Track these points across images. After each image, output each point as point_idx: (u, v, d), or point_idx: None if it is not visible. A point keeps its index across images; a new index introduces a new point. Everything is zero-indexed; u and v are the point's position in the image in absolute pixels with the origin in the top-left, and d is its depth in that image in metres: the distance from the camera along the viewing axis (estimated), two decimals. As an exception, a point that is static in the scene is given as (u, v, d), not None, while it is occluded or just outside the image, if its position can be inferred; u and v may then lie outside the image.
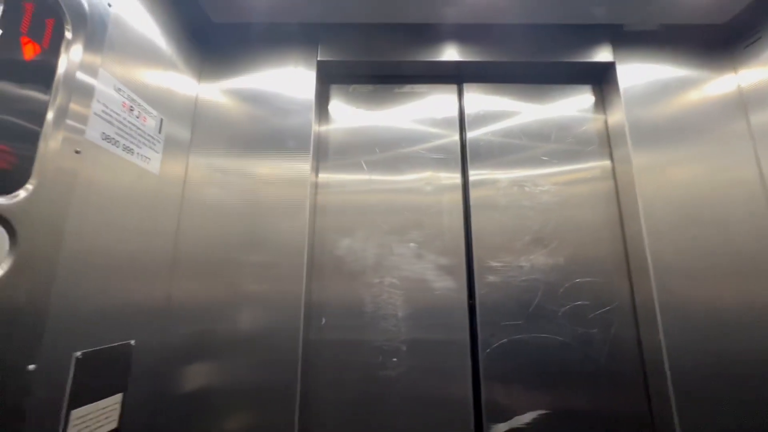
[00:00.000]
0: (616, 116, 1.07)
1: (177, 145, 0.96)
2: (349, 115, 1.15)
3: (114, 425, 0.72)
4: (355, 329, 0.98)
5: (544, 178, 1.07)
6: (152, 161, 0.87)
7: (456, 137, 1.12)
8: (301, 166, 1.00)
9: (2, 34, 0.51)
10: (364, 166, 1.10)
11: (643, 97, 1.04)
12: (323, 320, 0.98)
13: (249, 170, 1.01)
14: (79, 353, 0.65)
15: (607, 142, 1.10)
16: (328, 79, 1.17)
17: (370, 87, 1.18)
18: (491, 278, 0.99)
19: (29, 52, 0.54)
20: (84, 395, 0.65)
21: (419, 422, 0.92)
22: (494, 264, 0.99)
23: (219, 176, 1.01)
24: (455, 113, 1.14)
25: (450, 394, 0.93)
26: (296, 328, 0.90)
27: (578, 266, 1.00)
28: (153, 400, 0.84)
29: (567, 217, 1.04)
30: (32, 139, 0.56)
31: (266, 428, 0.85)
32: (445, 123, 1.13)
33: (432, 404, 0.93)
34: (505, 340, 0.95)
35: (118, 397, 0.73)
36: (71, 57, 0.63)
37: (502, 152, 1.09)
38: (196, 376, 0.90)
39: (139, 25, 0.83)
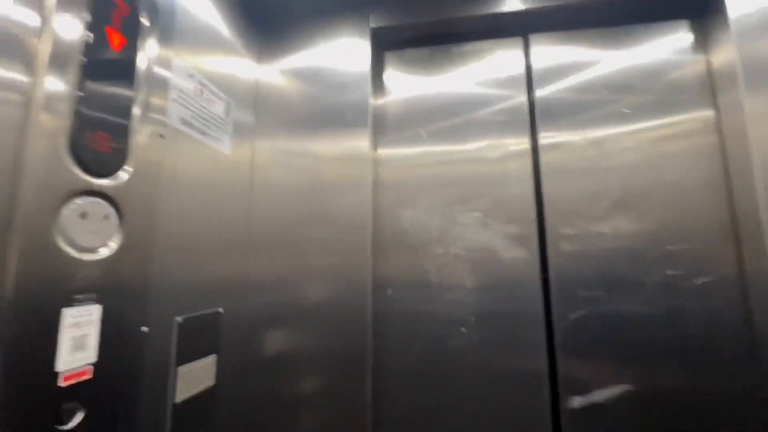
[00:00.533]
0: (723, 54, 0.90)
1: (243, 129, 1.00)
2: (405, 83, 1.11)
3: (211, 382, 0.80)
4: (421, 301, 0.98)
5: (627, 136, 0.95)
6: (223, 142, 0.91)
7: (523, 97, 1.02)
8: (359, 143, 0.99)
9: (93, 31, 0.54)
10: (424, 137, 1.06)
11: (759, 29, 0.86)
12: (389, 291, 0.99)
13: (310, 150, 1.02)
14: (180, 318, 0.73)
15: (710, 89, 0.93)
16: (382, 47, 1.13)
17: (426, 50, 1.12)
18: (567, 247, 0.91)
19: (116, 43, 0.58)
20: (186, 354, 0.73)
21: (490, 391, 0.91)
22: (570, 232, 0.92)
23: (282, 158, 1.03)
24: (521, 70, 1.04)
25: (522, 366, 0.90)
26: (364, 298, 0.92)
27: (670, 232, 0.89)
28: (240, 362, 0.92)
29: (656, 177, 0.91)
30: (124, 124, 0.60)
31: (341, 391, 0.90)
32: (509, 82, 1.04)
33: (503, 375, 0.91)
34: (583, 312, 0.89)
35: (212, 358, 0.81)
36: (149, 46, 0.66)
37: (577, 109, 0.98)
38: (274, 342, 0.97)
39: (202, 12, 0.86)
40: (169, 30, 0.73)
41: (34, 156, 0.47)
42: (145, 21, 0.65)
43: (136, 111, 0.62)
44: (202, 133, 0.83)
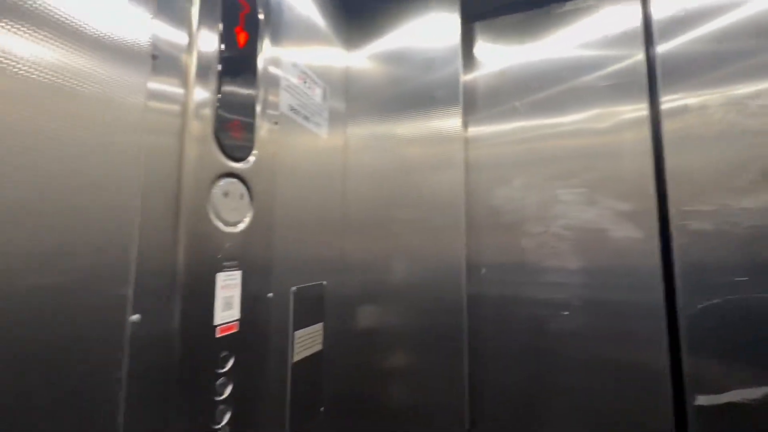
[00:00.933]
0: None
1: (336, 116, 1.05)
2: (498, 54, 1.05)
3: (320, 347, 0.89)
4: (518, 281, 0.94)
5: (784, 91, 0.78)
6: (321, 127, 0.97)
7: (639, 55, 0.90)
8: (450, 122, 0.97)
9: (222, 27, 0.61)
10: (521, 110, 1.00)
11: None
12: (483, 270, 0.97)
13: (399, 132, 1.03)
14: (294, 288, 0.81)
15: None
16: (472, 18, 1.08)
17: (520, 16, 1.04)
18: (697, 225, 0.80)
19: (242, 39, 0.65)
20: (300, 321, 0.82)
21: (598, 383, 0.85)
22: (703, 208, 0.80)
23: (372, 141, 1.06)
24: (637, 23, 0.91)
25: (637, 358, 0.83)
26: (458, 277, 0.92)
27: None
28: (342, 331, 0.99)
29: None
30: (251, 113, 0.67)
31: (437, 368, 0.92)
32: (622, 39, 0.92)
33: (614, 367, 0.84)
34: (718, 300, 0.77)
35: (319, 326, 0.89)
36: (265, 41, 0.73)
37: (712, 64, 0.83)
38: (370, 317, 1.02)
39: (301, 4, 0.91)
40: (277, 24, 0.79)
41: (190, 146, 0.56)
42: (261, 17, 0.71)
43: (258, 101, 0.69)
44: (305, 118, 0.90)
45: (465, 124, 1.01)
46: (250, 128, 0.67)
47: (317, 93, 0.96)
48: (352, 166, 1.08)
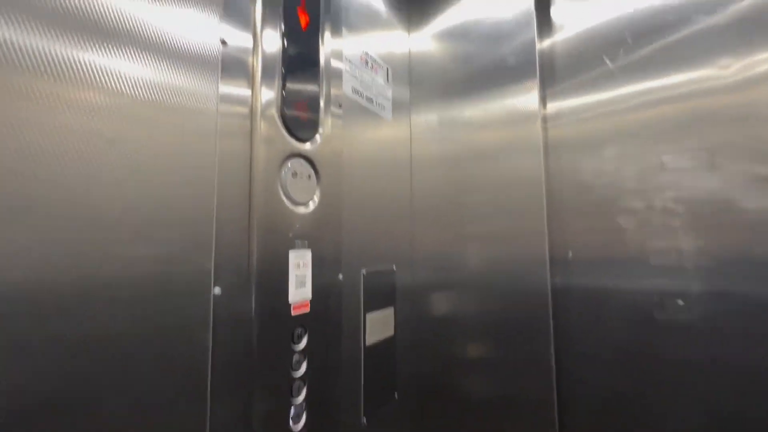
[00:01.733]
0: None
1: (400, 101, 1.02)
2: (582, 11, 0.92)
3: (391, 332, 0.87)
4: (613, 264, 0.82)
5: None
6: (385, 109, 0.95)
7: (781, -23, 0.70)
8: (525, 98, 0.87)
9: (284, 10, 0.62)
10: (615, 73, 0.86)
11: None
12: (570, 253, 0.86)
13: (468, 115, 0.95)
14: (364, 270, 0.80)
15: None
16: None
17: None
18: None
19: (303, 21, 0.65)
20: (371, 304, 0.81)
21: (725, 391, 0.69)
22: None
23: (439, 126, 1.00)
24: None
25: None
26: (541, 264, 0.83)
27: None
28: (414, 318, 0.97)
29: None
30: (316, 94, 0.68)
31: (520, 360, 0.84)
32: (753, -39, 0.73)
33: (745, 372, 0.68)
34: None
35: (390, 310, 0.88)
36: (326, 23, 0.72)
37: None
38: (445, 304, 0.98)
39: (361, -17, 0.89)
40: (337, 9, 0.78)
41: (259, 130, 0.57)
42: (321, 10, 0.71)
43: (321, 84, 0.69)
44: (369, 100, 0.88)
45: (543, 99, 0.90)
46: (314, 109, 0.67)
47: (380, 74, 0.94)
48: (418, 152, 1.04)
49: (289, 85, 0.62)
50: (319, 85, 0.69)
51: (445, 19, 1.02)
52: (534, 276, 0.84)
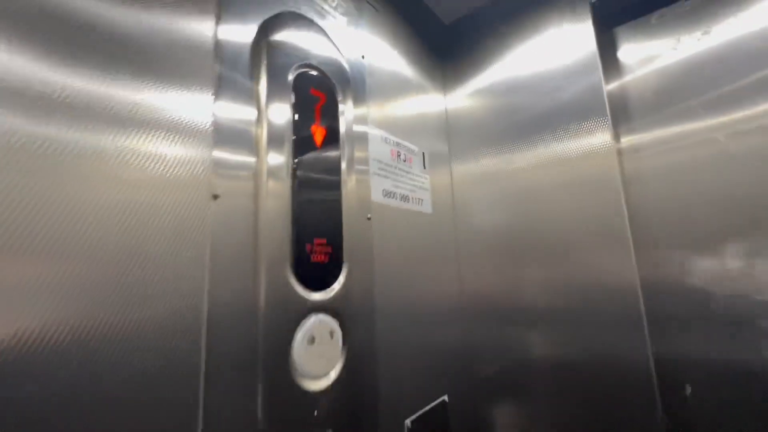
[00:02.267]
0: None
1: (440, 160, 0.90)
2: (653, 54, 0.75)
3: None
4: (724, 301, 0.59)
5: None
6: (424, 201, 0.81)
7: None
8: (595, 135, 0.72)
9: (296, 129, 0.51)
10: (699, 111, 0.67)
11: None
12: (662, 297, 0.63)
13: (520, 161, 0.83)
14: (408, 422, 0.63)
15: None
16: (610, 23, 0.80)
17: (686, 5, 0.72)
18: None
19: (320, 137, 0.54)
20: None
21: None
22: None
23: (484, 179, 0.88)
24: None
25: None
26: (634, 305, 0.62)
27: None
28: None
29: None
30: (337, 220, 0.55)
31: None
32: None
33: None
34: None
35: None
36: (347, 127, 0.61)
37: None
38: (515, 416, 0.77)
39: (388, 64, 0.79)
40: (361, 98, 0.67)
41: (263, 280, 0.45)
42: (342, 104, 0.59)
43: (344, 200, 0.57)
44: (404, 199, 0.74)
45: (616, 136, 0.76)
46: (336, 240, 0.54)
47: (415, 162, 0.80)
48: (462, 226, 0.89)
49: (302, 203, 0.50)
50: (340, 205, 0.56)
51: (485, 77, 0.92)
52: (627, 314, 0.62)
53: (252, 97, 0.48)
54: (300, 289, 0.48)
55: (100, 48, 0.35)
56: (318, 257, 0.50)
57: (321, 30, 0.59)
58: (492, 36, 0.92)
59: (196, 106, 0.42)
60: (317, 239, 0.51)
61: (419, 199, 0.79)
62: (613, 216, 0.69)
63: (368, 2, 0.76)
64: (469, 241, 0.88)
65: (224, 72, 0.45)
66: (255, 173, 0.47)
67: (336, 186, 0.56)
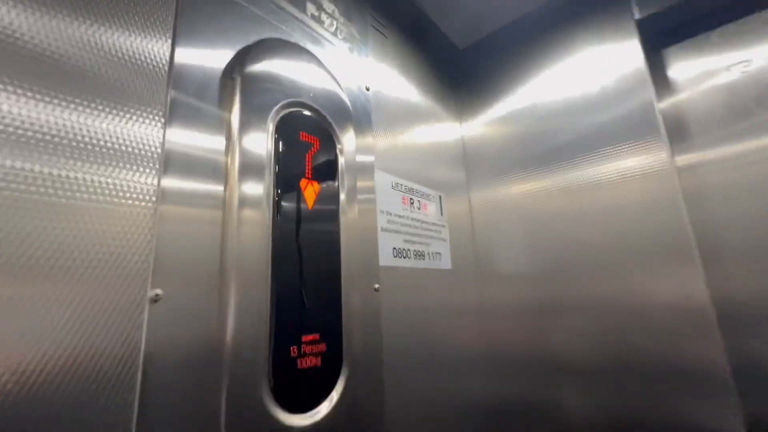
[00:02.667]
0: None
1: (458, 187, 0.80)
2: (711, 70, 0.63)
3: None
4: None
5: None
6: (442, 256, 0.67)
7: None
8: (648, 159, 0.62)
9: (280, 184, 0.38)
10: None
11: None
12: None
13: (548, 188, 0.72)
14: None
15: None
16: (658, 40, 0.68)
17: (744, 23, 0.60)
18: None
19: (311, 196, 0.41)
20: None
21: None
22: None
23: (508, 209, 0.77)
24: None
25: None
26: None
27: None
28: None
29: None
30: (334, 305, 0.41)
31: None
32: None
33: None
34: None
35: None
36: (347, 164, 0.48)
37: None
38: None
39: (397, 93, 0.67)
40: (366, 133, 0.55)
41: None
42: (339, 146, 0.47)
43: (345, 270, 0.43)
44: (419, 255, 0.61)
45: (671, 154, 0.61)
46: (332, 332, 0.40)
47: (430, 210, 0.67)
48: (486, 268, 0.75)
49: (282, 289, 0.37)
50: (339, 280, 0.43)
51: (506, 104, 0.83)
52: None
53: (221, 144, 0.37)
54: (278, 413, 0.34)
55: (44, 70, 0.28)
56: (307, 361, 0.37)
57: (315, 59, 0.48)
58: (512, 59, 0.81)
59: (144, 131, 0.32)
60: (307, 336, 0.37)
61: (436, 253, 0.65)
62: (677, 236, 0.58)
63: (374, 27, 0.65)
64: (493, 298, 0.74)
65: (180, 98, 0.35)
66: (223, 220, 0.35)
67: (334, 254, 0.43)
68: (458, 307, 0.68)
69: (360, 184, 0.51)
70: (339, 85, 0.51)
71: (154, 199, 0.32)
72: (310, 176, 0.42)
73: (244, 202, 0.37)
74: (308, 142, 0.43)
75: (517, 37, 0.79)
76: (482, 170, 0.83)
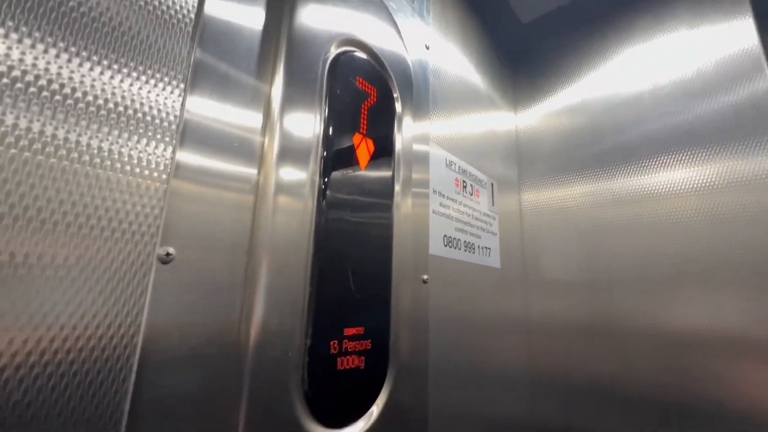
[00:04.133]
0: None
1: (508, 185, 0.70)
2: None
3: None
4: None
5: None
6: (492, 252, 0.58)
7: None
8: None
9: (330, 140, 0.30)
10: None
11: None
12: None
13: (619, 192, 0.61)
14: None
15: None
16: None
17: None
18: None
19: (364, 156, 0.33)
20: None
21: None
22: None
23: (562, 214, 0.67)
24: None
25: None
26: None
27: None
28: None
29: None
30: (383, 294, 0.33)
31: None
32: None
33: None
34: None
35: None
36: (405, 144, 0.40)
37: None
38: None
39: (454, 64, 0.59)
40: (423, 104, 0.47)
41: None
42: (398, 105, 0.39)
43: (396, 254, 0.35)
44: (470, 248, 0.52)
45: None
46: (380, 327, 0.32)
47: (482, 197, 0.59)
48: (534, 278, 0.66)
49: (323, 267, 0.29)
50: (390, 265, 0.35)
51: (565, 95, 0.73)
52: None
53: (257, 92, 0.29)
54: (311, 426, 0.26)
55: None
56: (349, 361, 0.29)
57: (376, 7, 0.40)
58: (583, 38, 0.71)
59: (162, 99, 0.26)
60: (350, 329, 0.29)
61: (486, 248, 0.57)
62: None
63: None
64: (540, 309, 0.64)
65: (206, 59, 0.27)
66: (255, 205, 0.27)
67: (386, 228, 0.35)
68: (505, 312, 0.60)
69: (416, 148, 0.43)
70: (401, 38, 0.42)
71: (164, 176, 0.25)
72: (365, 131, 0.34)
73: (283, 155, 0.29)
74: (365, 91, 0.35)
75: (592, 11, 0.69)
76: (536, 167, 0.73)
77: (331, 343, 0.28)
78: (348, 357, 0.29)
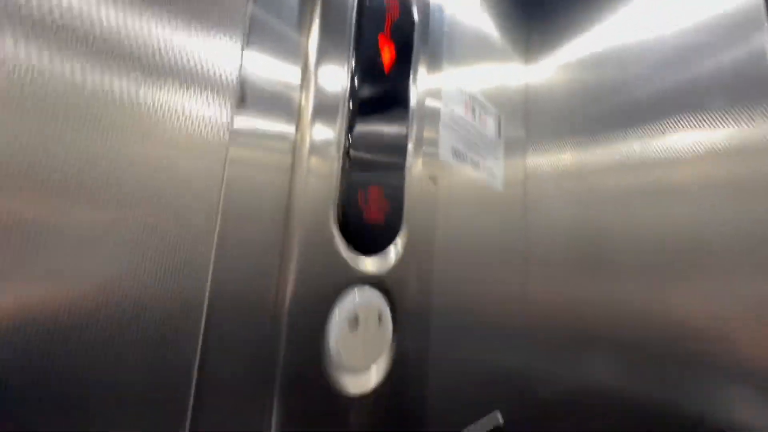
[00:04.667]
0: None
1: (513, 147, 0.72)
2: None
3: None
4: None
5: None
6: (496, 177, 0.65)
7: None
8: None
9: (359, 45, 0.37)
10: None
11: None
12: None
13: (642, 154, 0.61)
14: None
15: None
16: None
17: None
18: None
19: (388, 58, 0.40)
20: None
21: None
22: None
23: (573, 178, 0.68)
24: None
25: None
26: None
27: None
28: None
29: None
30: (400, 172, 0.41)
31: None
32: None
33: None
34: None
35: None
36: (420, 60, 0.47)
37: None
38: None
39: (468, 7, 0.63)
40: (437, 36, 0.53)
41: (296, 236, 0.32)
42: (416, 22, 0.46)
43: (409, 151, 0.43)
44: (475, 164, 0.60)
45: None
46: (396, 193, 0.41)
47: (490, 124, 0.65)
48: (536, 219, 0.72)
49: (357, 148, 0.36)
50: (405, 155, 0.43)
51: (582, 43, 0.73)
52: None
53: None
54: (345, 251, 0.35)
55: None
56: (372, 213, 0.37)
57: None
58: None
59: (223, 55, 0.28)
60: (373, 187, 0.38)
61: (490, 168, 0.64)
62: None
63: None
64: (543, 238, 0.71)
65: (259, 14, 0.31)
66: (292, 166, 0.33)
67: (402, 117, 0.43)
68: (504, 238, 0.67)
69: (429, 72, 0.49)
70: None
71: (227, 137, 0.27)
72: (389, 35, 0.41)
73: (314, 148, 0.33)
74: (390, 5, 0.41)
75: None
76: (546, 127, 0.73)
77: (359, 192, 0.36)
78: (371, 210, 0.37)
